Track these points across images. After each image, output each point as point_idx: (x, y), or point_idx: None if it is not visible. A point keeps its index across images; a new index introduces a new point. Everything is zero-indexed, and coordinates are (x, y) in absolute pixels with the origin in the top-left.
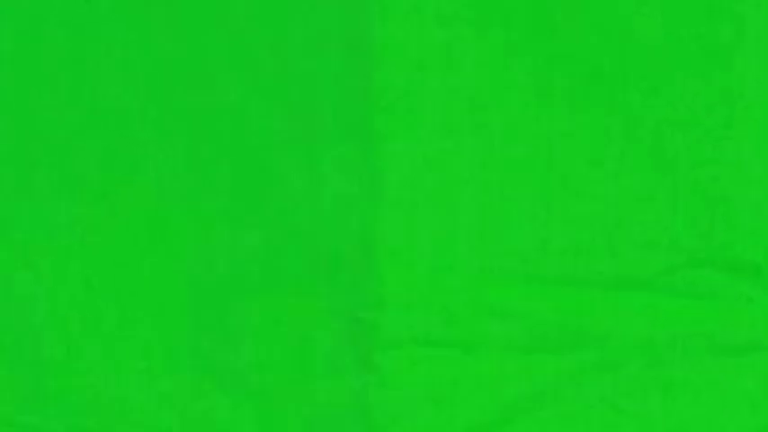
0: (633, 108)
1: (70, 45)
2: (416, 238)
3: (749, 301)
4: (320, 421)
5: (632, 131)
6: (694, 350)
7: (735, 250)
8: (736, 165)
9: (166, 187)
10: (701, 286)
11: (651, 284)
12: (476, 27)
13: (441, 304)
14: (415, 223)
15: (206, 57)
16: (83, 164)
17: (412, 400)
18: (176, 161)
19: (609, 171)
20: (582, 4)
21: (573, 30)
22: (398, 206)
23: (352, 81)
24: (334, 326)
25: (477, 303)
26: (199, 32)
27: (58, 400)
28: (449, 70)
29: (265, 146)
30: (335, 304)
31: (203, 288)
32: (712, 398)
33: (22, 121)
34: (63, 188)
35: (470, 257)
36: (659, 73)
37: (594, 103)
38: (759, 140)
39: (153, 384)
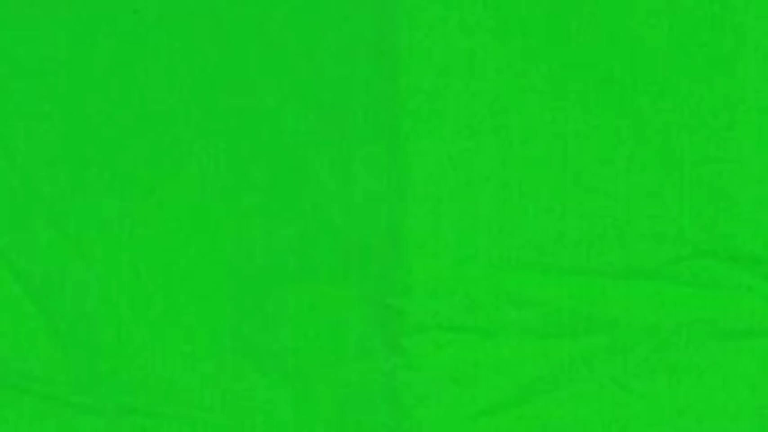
0: (642, 110)
1: (120, 53)
2: (441, 230)
3: (749, 289)
4: (351, 400)
5: (641, 132)
6: (698, 335)
7: (736, 242)
8: (737, 163)
9: (209, 184)
10: (705, 276)
11: (658, 274)
12: (496, 35)
13: (463, 292)
14: (440, 217)
15: (245, 64)
16: (132, 162)
17: (436, 381)
18: (218, 160)
19: (619, 169)
20: (595, 14)
21: (586, 38)
22: (424, 201)
23: (380, 85)
24: (364, 312)
25: (496, 291)
26: (239, 41)
27: (110, 381)
28: (471, 75)
29: (300, 146)
30: (366, 292)
31: (243, 277)
32: (714, 379)
33: (77, 123)
34: (114, 184)
35: (490, 249)
36: (666, 78)
37: (606, 106)
38: (759, 140)
39: (197, 366)
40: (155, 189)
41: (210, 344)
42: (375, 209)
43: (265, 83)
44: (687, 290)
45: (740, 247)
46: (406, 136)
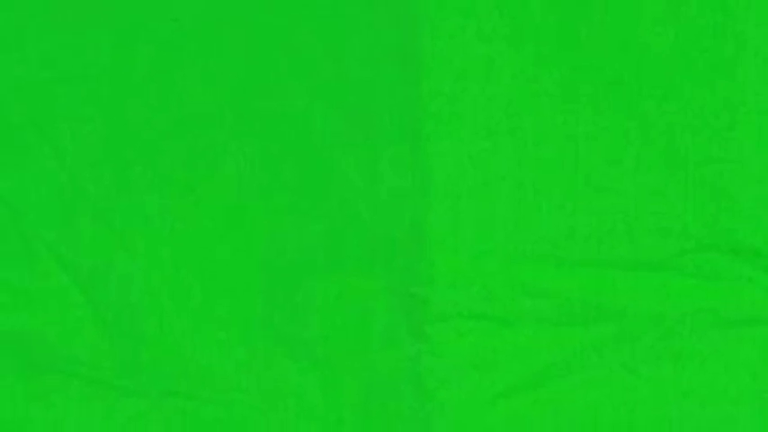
0: (648, 113)
1: (160, 59)
2: (461, 225)
3: (749, 280)
4: (377, 384)
5: (647, 133)
6: (701, 323)
7: (737, 236)
8: (738, 162)
9: (243, 182)
10: (708, 268)
11: (664, 266)
12: (511, 43)
13: (482, 283)
14: (460, 213)
15: (276, 69)
16: (172, 162)
17: (458, 366)
18: (252, 159)
19: (627, 168)
20: (603, 22)
21: (596, 44)
22: (445, 198)
23: (404, 89)
24: (390, 302)
25: (512, 282)
26: (270, 48)
27: (151, 366)
28: (488, 80)
29: (328, 146)
30: (391, 283)
31: (275, 270)
32: (716, 365)
33: (120, 125)
34: (155, 183)
35: (507, 243)
36: (671, 82)
37: (615, 109)
38: (758, 141)
39: (232, 353)
40: (193, 187)
41: (244, 332)
42: (400, 205)
43: (296, 87)
44: (691, 281)
45: (741, 241)
46: (428, 137)
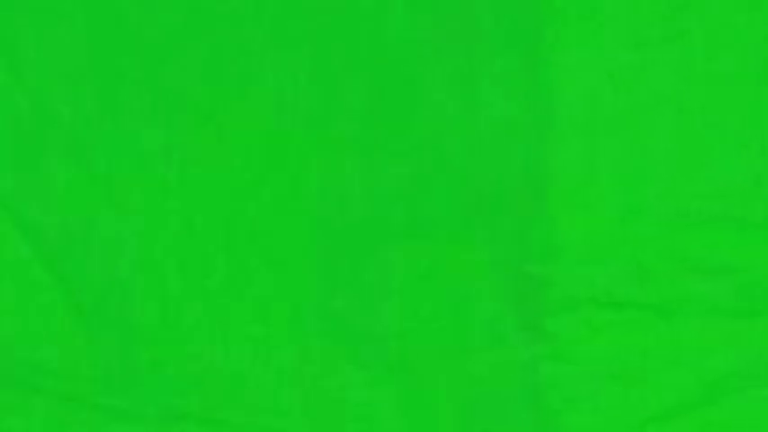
0: None
1: None
2: (596, 173)
3: None
4: (478, 403)
5: None
6: None
7: None
8: None
9: (286, 106)
10: None
11: None
12: None
13: (628, 256)
14: (594, 155)
15: None
16: (181, 75)
17: (592, 378)
18: (298, 73)
19: None
20: None
21: None
22: (573, 134)
23: None
24: (495, 283)
25: (673, 255)
26: None
27: (150, 376)
28: None
29: (408, 56)
30: (497, 255)
31: (333, 234)
32: None
33: (105, 24)
34: (157, 106)
35: (664, 197)
36: None
37: None
38: None
39: (270, 356)
40: (213, 112)
41: (289, 325)
42: (509, 142)
43: None
44: None
45: None
46: (548, 45)
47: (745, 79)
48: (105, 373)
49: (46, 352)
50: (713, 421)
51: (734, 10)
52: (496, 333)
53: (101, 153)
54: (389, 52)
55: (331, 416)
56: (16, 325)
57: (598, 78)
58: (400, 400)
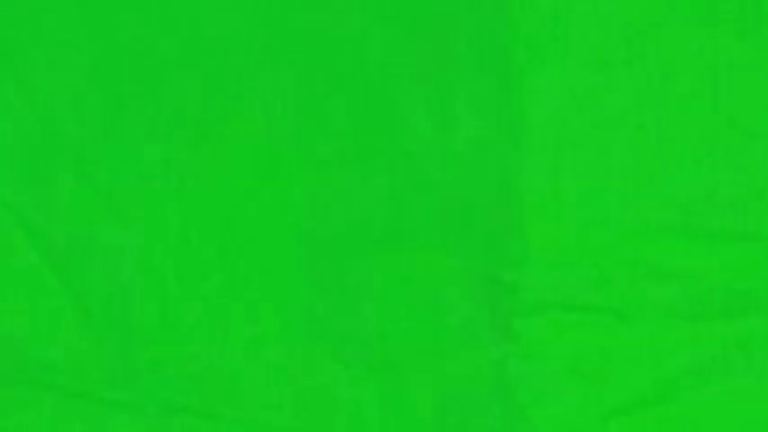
0: None
1: None
2: (562, 186)
3: None
4: (452, 399)
5: None
6: None
7: None
8: None
9: (275, 126)
10: None
11: None
12: None
13: (591, 263)
14: (562, 169)
15: None
16: (180, 98)
17: (557, 374)
18: (287, 96)
19: None
20: None
21: None
22: (542, 150)
23: (488, 5)
24: (468, 288)
25: (632, 262)
26: None
27: (151, 372)
28: None
29: (388, 79)
30: (470, 262)
31: (319, 243)
32: None
33: (110, 48)
34: (156, 125)
35: (624, 209)
36: None
37: (765, 32)
38: None
39: (262, 354)
40: (208, 132)
41: (278, 327)
42: (481, 159)
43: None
44: None
45: None
46: (519, 68)
47: (698, 99)
48: (109, 370)
49: (55, 351)
50: (669, 416)
51: (687, 37)
52: (470, 334)
53: (104, 168)
54: (371, 75)
55: (317, 410)
56: (27, 326)
57: (564, 99)
58: (381, 396)
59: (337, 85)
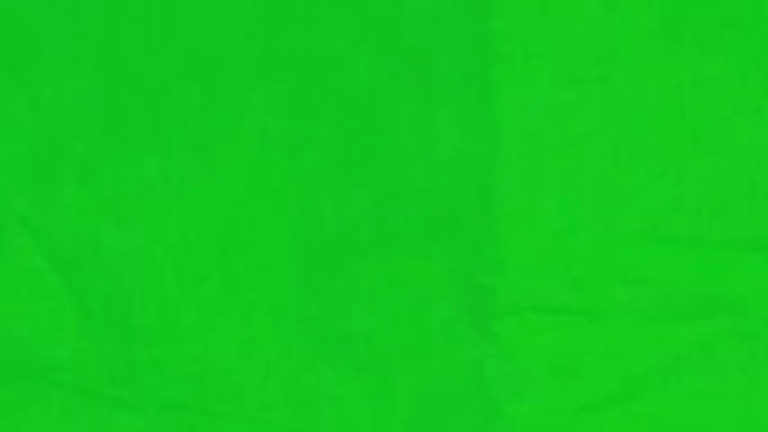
0: None
1: None
2: (537, 196)
3: None
4: (434, 396)
5: None
6: None
7: None
8: None
9: (269, 139)
10: None
11: None
12: None
13: (564, 268)
14: (536, 180)
15: None
16: (178, 113)
17: (532, 373)
18: (279, 110)
19: (746, 123)
20: None
21: None
22: (518, 162)
23: (467, 25)
24: (449, 291)
25: (602, 267)
26: None
27: (151, 371)
28: (572, 15)
29: (375, 96)
30: (451, 267)
31: (310, 248)
32: None
33: (113, 66)
34: (157, 138)
35: (596, 217)
36: None
37: (730, 50)
38: None
39: (256, 354)
40: (205, 144)
41: (272, 328)
42: (461, 170)
43: (335, 21)
44: None
45: None
46: (496, 85)
47: (664, 115)
48: (111, 368)
49: (59, 351)
50: (636, 412)
51: (653, 56)
52: (450, 334)
53: (107, 177)
54: (359, 91)
55: (308, 407)
56: (33, 327)
57: (538, 114)
58: (367, 392)
59: (327, 100)
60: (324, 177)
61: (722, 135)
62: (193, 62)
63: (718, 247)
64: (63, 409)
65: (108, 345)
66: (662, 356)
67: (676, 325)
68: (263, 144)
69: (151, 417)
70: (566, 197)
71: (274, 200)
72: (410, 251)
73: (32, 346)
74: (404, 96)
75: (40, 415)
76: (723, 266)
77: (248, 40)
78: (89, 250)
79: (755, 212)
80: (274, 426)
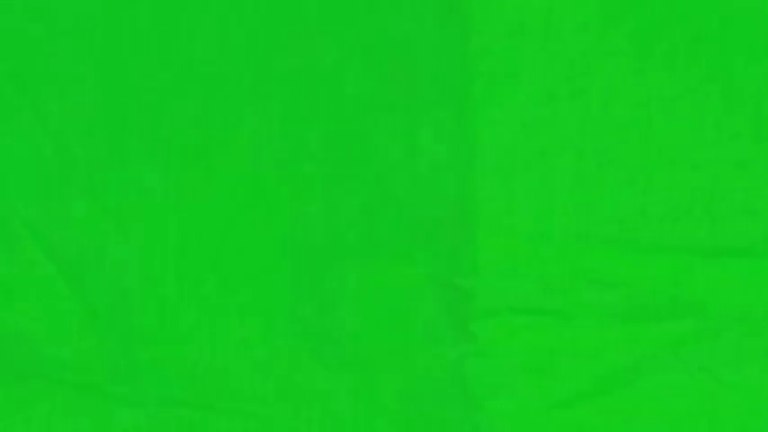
0: (733, 74)
1: (165, 9)
2: (513, 204)
3: None
4: (416, 392)
5: (732, 98)
6: None
7: None
8: None
9: (261, 152)
10: None
11: (750, 251)
12: None
13: (538, 272)
14: (512, 190)
15: (301, 21)
16: (177, 127)
17: (509, 370)
18: (271, 125)
19: (708, 137)
20: None
21: None
22: (495, 173)
23: (449, 45)
24: (431, 293)
25: (574, 271)
26: None
27: (151, 369)
28: (547, 36)
29: (360, 111)
30: (432, 271)
31: (300, 253)
32: None
33: (115, 84)
34: (157, 151)
35: (567, 224)
36: (761, 38)
37: (694, 69)
38: None
39: (249, 353)
40: (202, 157)
41: (264, 328)
42: (442, 180)
43: (323, 41)
44: None
45: None
46: (476, 101)
47: (631, 129)
48: (114, 367)
49: (65, 350)
50: (607, 407)
51: (622, 74)
52: (432, 334)
53: (111, 189)
54: (346, 108)
55: (299, 402)
56: (42, 328)
57: (515, 128)
58: (354, 389)
59: (317, 115)
60: (314, 187)
61: (685, 148)
62: (191, 80)
63: (682, 252)
64: (69, 404)
65: (111, 344)
66: (630, 355)
67: (643, 326)
68: (256, 156)
69: (151, 411)
70: (539, 206)
71: (267, 208)
72: (394, 256)
73: (40, 346)
74: (389, 111)
75: (47, 409)
76: (686, 270)
77: (243, 60)
78: (93, 256)
79: (715, 220)
80: (267, 420)
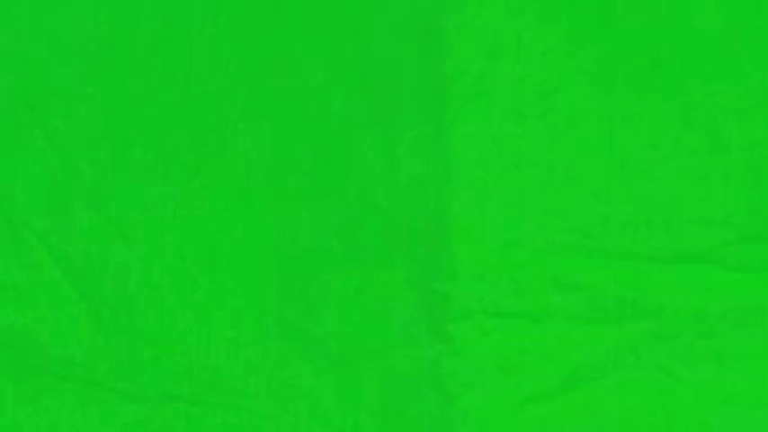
0: (691, 94)
1: (164, 32)
2: (487, 214)
3: None
4: (396, 388)
5: (689, 116)
6: (745, 320)
7: None
8: None
9: (253, 166)
10: (752, 260)
11: (705, 258)
12: (542, 18)
13: (509, 277)
14: (486, 201)
15: (291, 43)
16: (175, 143)
17: (482, 368)
18: (262, 142)
19: (666, 153)
20: None
21: (635, 20)
22: (470, 185)
23: (427, 68)
24: (410, 297)
25: (542, 276)
26: (285, 20)
27: (152, 367)
28: (517, 58)
29: (345, 128)
30: (411, 276)
31: (288, 261)
32: (763, 366)
33: (118, 103)
34: (157, 166)
35: (536, 233)
36: (715, 61)
37: (654, 90)
38: None
39: (241, 352)
40: (198, 171)
41: (255, 329)
42: (421, 192)
43: (311, 63)
44: (735, 275)
45: None
46: (452, 119)
47: (597, 145)
48: (117, 364)
49: (73, 349)
50: (573, 403)
51: (589, 94)
52: (410, 335)
53: (114, 200)
54: (331, 125)
55: (287, 397)
56: (50, 329)
57: (488, 144)
58: (338, 386)
59: (304, 132)
60: (301, 199)
61: (646, 162)
62: (188, 101)
63: (641, 259)
64: (76, 399)
65: (114, 344)
66: (594, 354)
67: (606, 327)
68: (248, 170)
69: (152, 406)
70: (511, 215)
71: (257, 219)
72: (376, 263)
73: (50, 346)
74: (370, 128)
75: (56, 404)
76: (645, 275)
77: (236, 81)
78: (98, 263)
79: (672, 228)
80: (257, 413)
